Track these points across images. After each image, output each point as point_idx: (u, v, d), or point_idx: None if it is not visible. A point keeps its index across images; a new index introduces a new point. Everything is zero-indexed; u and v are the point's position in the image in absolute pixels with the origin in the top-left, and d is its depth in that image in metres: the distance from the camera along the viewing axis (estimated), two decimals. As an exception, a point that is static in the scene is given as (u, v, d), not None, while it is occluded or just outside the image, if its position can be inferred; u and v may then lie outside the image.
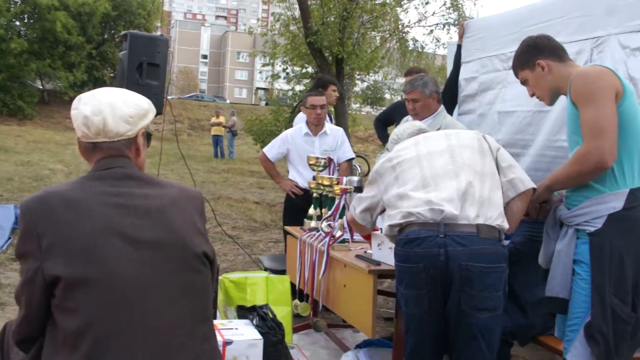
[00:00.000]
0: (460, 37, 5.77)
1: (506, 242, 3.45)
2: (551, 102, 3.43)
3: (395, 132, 3.83)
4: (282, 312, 4.28)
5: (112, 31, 37.91)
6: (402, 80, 24.98)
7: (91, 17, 34.70)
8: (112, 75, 36.17)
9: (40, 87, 37.47)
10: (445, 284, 2.93)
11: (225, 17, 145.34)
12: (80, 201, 2.04)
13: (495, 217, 3.01)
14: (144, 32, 7.65)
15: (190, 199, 2.27)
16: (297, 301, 4.57)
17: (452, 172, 3.11)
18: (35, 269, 1.96)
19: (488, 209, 3.01)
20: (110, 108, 2.18)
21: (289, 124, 15.12)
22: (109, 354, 1.94)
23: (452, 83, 5.79)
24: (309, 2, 14.58)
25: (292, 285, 4.66)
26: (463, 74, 5.68)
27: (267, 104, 36.89)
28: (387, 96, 37.39)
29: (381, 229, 3.81)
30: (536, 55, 3.31)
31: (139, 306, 2.00)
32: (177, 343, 2.06)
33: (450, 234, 2.92)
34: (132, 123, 2.22)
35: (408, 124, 3.85)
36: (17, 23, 36.05)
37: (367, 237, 4.04)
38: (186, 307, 2.12)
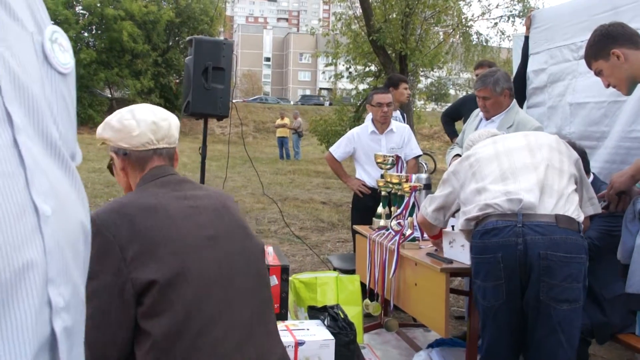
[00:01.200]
0: (528, 28, 5.65)
1: None
2: (629, 91, 3.32)
3: (470, 138, 3.79)
4: (353, 312, 4.25)
5: (177, 38, 38.56)
6: (466, 75, 24.79)
7: (156, 25, 35.38)
8: (177, 81, 36.80)
9: (109, 95, 38.46)
10: (524, 274, 2.89)
11: (287, 19, 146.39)
12: (157, 207, 2.08)
13: (573, 209, 2.95)
14: (209, 37, 7.73)
15: (230, 198, 2.36)
16: (367, 301, 4.54)
17: (531, 165, 3.08)
18: (121, 284, 1.95)
19: (566, 202, 2.96)
20: (168, 115, 2.32)
21: (353, 123, 15.14)
22: (203, 350, 1.97)
23: (521, 76, 5.67)
24: (371, 0, 14.52)
25: (362, 284, 4.63)
26: (531, 66, 5.56)
27: (330, 104, 36.95)
28: (452, 92, 37.03)
29: (452, 226, 3.76)
30: (610, 45, 3.21)
31: (226, 301, 2.05)
32: (260, 334, 2.12)
33: (528, 224, 2.88)
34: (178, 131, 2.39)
35: (483, 131, 3.82)
36: (86, 34, 37.10)
37: (435, 238, 3.99)
38: (262, 298, 2.19)
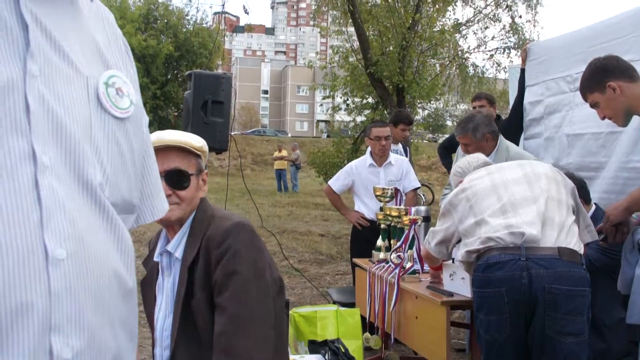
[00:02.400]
0: (524, 61, 5.69)
1: None
2: (625, 123, 3.34)
3: (459, 165, 3.77)
4: (353, 346, 4.23)
5: (175, 71, 38.70)
6: (463, 106, 24.83)
7: (155, 58, 35.55)
8: (175, 114, 36.89)
9: (108, 128, 38.49)
10: (528, 308, 2.88)
11: (285, 52, 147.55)
12: None
13: (575, 242, 2.95)
14: (208, 71, 7.78)
15: None
16: (367, 334, 4.51)
17: (530, 198, 3.08)
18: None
19: (567, 235, 2.96)
20: None
21: (351, 155, 15.14)
22: None
23: (518, 108, 5.69)
24: (368, 33, 14.63)
25: (362, 317, 4.60)
26: (528, 98, 5.59)
27: (328, 136, 37.03)
28: (449, 123, 37.16)
29: (453, 259, 3.75)
30: (606, 77, 3.24)
31: None
32: None
33: (532, 257, 2.88)
34: None
35: (471, 157, 3.78)
36: (85, 68, 37.26)
37: (436, 269, 3.98)
38: None
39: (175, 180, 2.29)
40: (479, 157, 3.76)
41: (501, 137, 4.49)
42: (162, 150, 2.25)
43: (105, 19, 1.19)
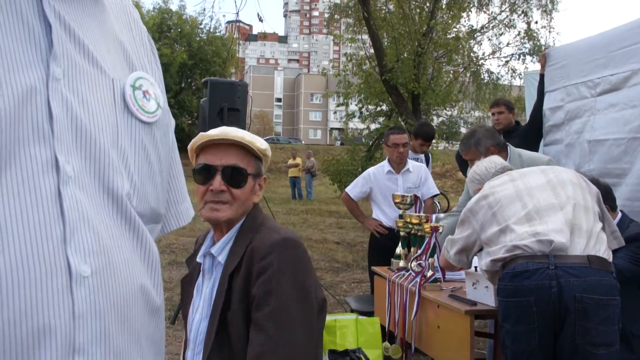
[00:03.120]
0: (543, 66, 5.63)
1: None
2: None
3: (475, 171, 3.69)
4: (373, 355, 4.17)
5: (189, 79, 38.91)
6: (477, 113, 24.76)
7: (169, 67, 35.73)
8: (190, 122, 37.03)
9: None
10: (557, 318, 2.82)
11: (298, 60, 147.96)
12: None
13: (604, 249, 2.89)
14: (224, 79, 7.78)
15: None
16: (387, 343, 4.45)
17: (557, 205, 3.01)
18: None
19: (596, 242, 2.90)
20: None
21: (365, 162, 15.11)
22: None
23: (537, 114, 5.63)
24: (382, 40, 14.61)
25: (382, 326, 4.55)
26: (547, 104, 5.54)
27: (342, 144, 37.03)
28: (463, 130, 37.10)
29: (475, 267, 3.69)
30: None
31: None
32: None
33: (561, 266, 2.82)
34: None
35: (488, 161, 3.70)
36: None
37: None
38: None
39: (231, 176, 2.21)
40: (496, 160, 3.68)
41: (510, 147, 4.41)
42: (223, 145, 2.22)
43: (130, 15, 1.14)
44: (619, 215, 3.89)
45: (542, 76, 5.65)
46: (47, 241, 0.83)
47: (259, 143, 2.30)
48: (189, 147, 2.27)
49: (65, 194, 0.85)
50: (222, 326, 2.12)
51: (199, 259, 2.31)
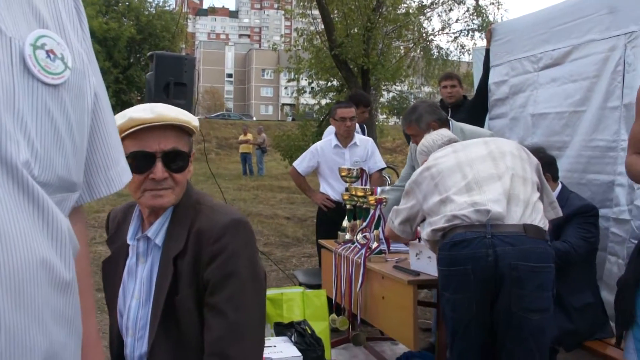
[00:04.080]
0: (488, 41, 5.69)
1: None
2: None
3: (423, 143, 3.73)
4: (320, 327, 4.20)
5: (138, 55, 38.23)
6: (427, 89, 24.92)
7: (117, 42, 35.04)
8: (139, 98, 36.46)
9: (69, 112, 37.97)
10: (494, 286, 2.88)
11: (249, 36, 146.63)
12: None
13: (540, 218, 2.96)
14: (170, 52, 7.67)
15: None
16: (334, 315, 4.50)
17: (495, 175, 3.07)
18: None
19: (532, 211, 2.97)
20: None
21: (316, 138, 15.11)
22: None
23: (483, 88, 5.70)
24: (332, 16, 14.57)
25: (329, 299, 4.59)
26: (493, 78, 5.60)
27: (293, 120, 36.98)
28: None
29: (419, 238, 3.75)
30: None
31: None
32: None
33: (498, 235, 2.87)
34: None
35: (436, 134, 3.73)
36: (44, 51, 36.63)
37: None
38: None
39: (173, 161, 2.09)
40: (444, 133, 3.72)
41: (453, 122, 4.43)
42: (157, 128, 2.05)
43: None
44: (559, 186, 3.99)
45: (487, 51, 5.70)
46: None
47: (193, 120, 2.16)
48: None
49: None
50: (169, 311, 2.06)
51: (130, 242, 2.20)
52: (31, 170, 0.92)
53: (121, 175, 1.21)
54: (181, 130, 2.12)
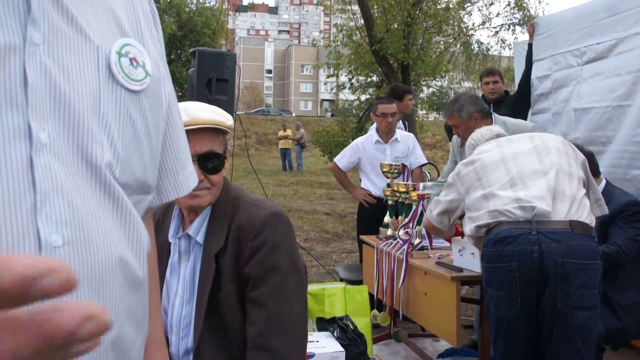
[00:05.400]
0: (531, 35, 5.63)
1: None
2: None
3: (472, 136, 3.72)
4: (362, 323, 4.21)
5: (179, 51, 38.57)
6: (467, 84, 24.72)
7: (158, 38, 35.42)
8: (179, 94, 36.83)
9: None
10: (539, 283, 2.86)
11: (288, 32, 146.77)
12: None
13: (586, 215, 2.93)
14: (212, 49, 7.72)
15: None
16: (375, 311, 4.51)
17: (540, 171, 3.04)
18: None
19: (579, 208, 2.94)
20: None
21: (355, 134, 15.10)
22: None
23: (525, 83, 5.65)
24: (372, 11, 14.53)
25: (370, 295, 4.60)
26: (535, 73, 5.56)
27: (332, 115, 36.97)
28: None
29: (462, 235, 3.73)
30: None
31: None
32: None
33: (543, 231, 2.85)
34: None
35: (485, 129, 3.73)
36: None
37: (450, 240, 3.96)
38: None
39: (209, 163, 2.11)
40: (493, 128, 3.70)
41: (495, 115, 4.41)
42: (194, 131, 2.05)
43: None
44: (603, 182, 3.94)
45: (530, 45, 5.65)
46: (16, 211, 0.81)
47: (227, 120, 2.17)
48: None
49: (38, 163, 0.83)
50: (212, 308, 2.09)
51: (172, 240, 2.23)
52: (113, 171, 0.96)
53: (189, 179, 1.24)
54: (216, 130, 2.14)
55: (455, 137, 4.72)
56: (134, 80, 1.00)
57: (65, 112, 0.88)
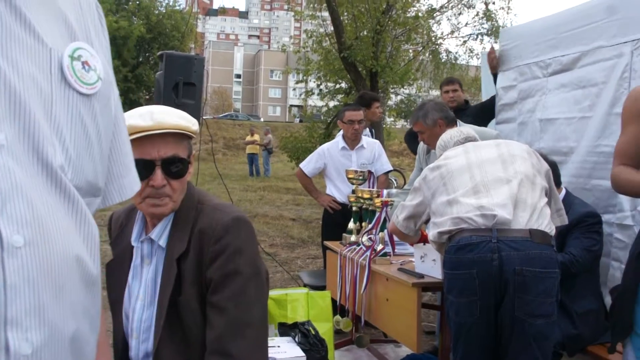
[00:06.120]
0: (492, 67, 5.66)
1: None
2: None
3: (442, 137, 3.73)
4: (324, 329, 4.21)
5: (147, 54, 38.33)
6: (435, 92, 24.89)
7: (126, 40, 35.11)
8: (147, 97, 36.55)
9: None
10: (498, 290, 2.88)
11: (258, 37, 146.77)
12: None
13: (546, 224, 2.96)
14: (180, 52, 7.68)
15: None
16: (338, 317, 4.51)
17: (504, 179, 3.08)
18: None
19: (539, 217, 2.97)
20: None
21: (323, 139, 15.13)
22: None
23: (490, 109, 5.71)
24: (342, 18, 14.59)
25: (333, 301, 4.60)
26: (501, 83, 5.61)
27: (301, 121, 37.03)
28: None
29: (424, 242, 3.75)
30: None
31: None
32: None
33: (503, 239, 2.88)
34: None
35: (455, 130, 3.74)
36: (55, 50, 36.75)
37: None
38: None
39: (173, 167, 2.08)
40: (463, 130, 3.71)
41: (460, 122, 4.45)
42: (159, 135, 2.04)
43: None
44: (563, 191, 4.00)
45: (494, 75, 5.70)
46: None
47: (193, 125, 2.15)
48: None
49: None
50: (173, 312, 2.07)
51: (135, 244, 2.20)
52: (66, 174, 0.96)
53: (132, 183, 1.24)
54: (181, 134, 2.12)
55: (421, 144, 4.75)
56: (86, 83, 1.00)
57: (21, 113, 0.88)
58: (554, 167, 3.96)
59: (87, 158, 1.01)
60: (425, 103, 4.43)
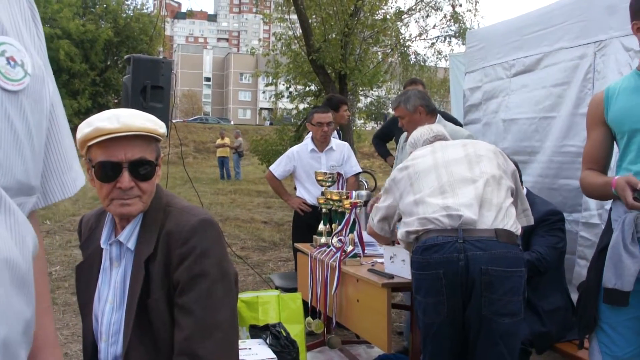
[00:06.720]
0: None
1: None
2: None
3: (413, 135, 3.76)
4: (295, 330, 4.23)
5: (115, 57, 37.97)
6: (405, 94, 25.04)
7: (94, 44, 34.76)
8: (115, 101, 36.21)
9: (45, 115, 37.58)
10: (465, 290, 2.91)
11: (227, 40, 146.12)
12: None
13: (512, 223, 3.00)
14: (147, 56, 7.64)
15: None
16: (309, 318, 4.53)
17: (470, 179, 3.11)
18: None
19: (505, 216, 3.01)
20: None
21: (294, 142, 15.13)
22: None
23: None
24: (310, 20, 14.61)
25: (304, 302, 4.62)
26: (467, 84, 5.69)
27: (271, 124, 36.96)
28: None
29: (393, 242, 3.79)
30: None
31: None
32: None
33: (469, 239, 2.91)
34: None
35: (426, 128, 3.78)
36: (21, 53, 36.24)
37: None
38: None
39: (140, 170, 2.09)
40: (433, 128, 3.74)
41: (440, 117, 4.53)
42: (126, 137, 2.04)
43: None
44: (525, 191, 4.06)
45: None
46: None
47: (160, 128, 2.15)
48: (78, 139, 2.03)
49: None
50: (142, 314, 2.08)
51: (104, 246, 2.21)
52: None
53: (75, 180, 1.21)
54: (148, 137, 2.12)
55: (402, 137, 4.82)
56: (11, 80, 0.97)
57: None
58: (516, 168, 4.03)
59: (17, 157, 0.98)
60: (408, 90, 4.61)
